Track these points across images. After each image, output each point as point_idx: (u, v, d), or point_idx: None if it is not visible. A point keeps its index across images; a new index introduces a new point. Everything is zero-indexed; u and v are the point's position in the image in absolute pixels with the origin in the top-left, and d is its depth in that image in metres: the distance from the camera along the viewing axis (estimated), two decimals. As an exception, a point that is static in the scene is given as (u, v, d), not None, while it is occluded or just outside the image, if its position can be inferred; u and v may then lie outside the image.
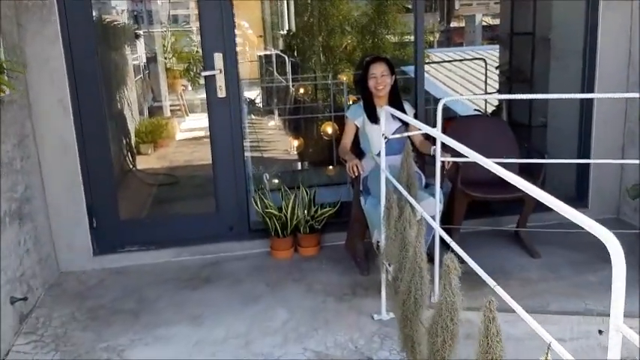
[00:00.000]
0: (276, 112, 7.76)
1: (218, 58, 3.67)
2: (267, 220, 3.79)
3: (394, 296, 2.57)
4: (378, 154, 3.63)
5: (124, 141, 6.17)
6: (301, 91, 7.33)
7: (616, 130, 4.18)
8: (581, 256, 3.66)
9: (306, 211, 3.83)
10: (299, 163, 6.82)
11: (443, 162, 3.33)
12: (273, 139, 7.40)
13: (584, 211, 3.76)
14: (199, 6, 3.61)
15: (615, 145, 4.18)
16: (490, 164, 1.71)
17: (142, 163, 6.59)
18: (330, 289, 3.39)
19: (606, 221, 4.37)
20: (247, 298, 3.32)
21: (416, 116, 3.83)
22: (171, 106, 9.73)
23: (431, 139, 3.79)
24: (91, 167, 3.71)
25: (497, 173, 1.66)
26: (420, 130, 3.33)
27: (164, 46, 9.43)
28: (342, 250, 3.88)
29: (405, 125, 3.73)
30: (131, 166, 6.14)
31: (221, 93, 3.72)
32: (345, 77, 7.89)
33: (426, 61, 8.24)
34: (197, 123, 9.26)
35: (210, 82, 3.71)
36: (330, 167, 6.53)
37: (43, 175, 3.63)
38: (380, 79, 3.62)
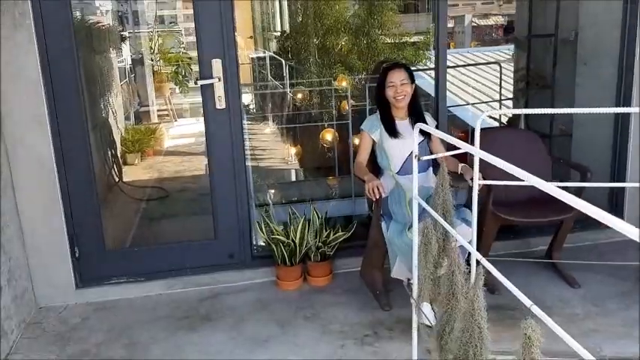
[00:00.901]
0: (272, 120, 7.33)
1: (216, 65, 3.23)
2: (274, 247, 3.36)
3: (437, 348, 2.17)
4: (399, 172, 3.26)
5: (109, 151, 5.71)
6: (299, 96, 6.91)
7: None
8: (625, 285, 3.28)
9: (317, 237, 3.41)
10: (299, 174, 6.40)
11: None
12: (270, 148, 6.97)
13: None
14: (195, 6, 3.17)
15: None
16: (550, 187, 1.31)
17: (129, 174, 6.12)
18: (348, 330, 2.97)
19: (623, 243, 4.03)
20: (254, 343, 2.89)
21: (437, 128, 3.42)
22: (158, 111, 9.27)
23: (456, 155, 3.39)
24: (71, 189, 3.26)
25: (560, 197, 1.27)
26: (445, 145, 2.99)
27: (151, 47, 8.96)
28: (356, 279, 3.46)
29: (429, 139, 3.32)
30: (117, 179, 5.67)
31: (220, 104, 3.28)
32: (344, 82, 7.50)
33: (428, 67, 7.88)
34: (186, 129, 8.83)
35: (207, 91, 3.27)
36: (331, 178, 6.13)
37: (17, 199, 3.17)
38: (399, 87, 3.21)
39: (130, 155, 6.60)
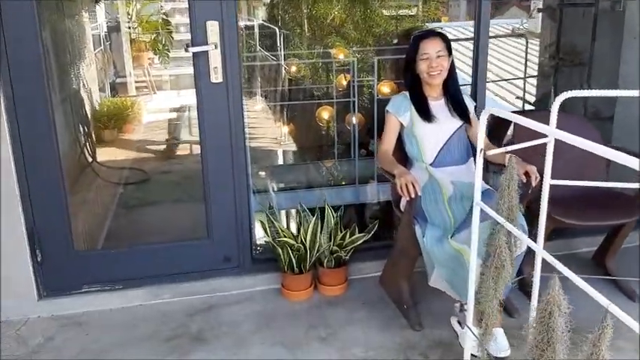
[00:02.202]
0: (264, 95, 6.70)
1: (212, 29, 2.61)
2: (280, 250, 2.80)
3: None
4: (433, 164, 2.70)
5: (81, 128, 5.05)
6: (293, 69, 6.28)
7: None
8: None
9: (331, 239, 2.85)
10: (294, 157, 5.83)
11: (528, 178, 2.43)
12: (262, 126, 6.35)
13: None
14: (187, -46, 2.55)
15: None
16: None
17: (104, 154, 5.47)
18: (373, 356, 2.43)
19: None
20: (260, 375, 2.34)
21: (475, 111, 2.87)
22: (136, 82, 8.57)
23: (497, 143, 2.85)
24: (31, 177, 2.65)
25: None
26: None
27: (128, 13, 8.21)
28: (374, 286, 2.94)
29: (468, 123, 2.77)
30: (90, 160, 5.02)
31: (216, 77, 2.67)
32: (341, 53, 6.88)
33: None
34: (167, 103, 8.17)
35: (200, 61, 2.66)
36: (330, 161, 5.56)
37: (-38, 190, 2.56)
38: (435, 61, 2.65)
39: (106, 132, 5.94)
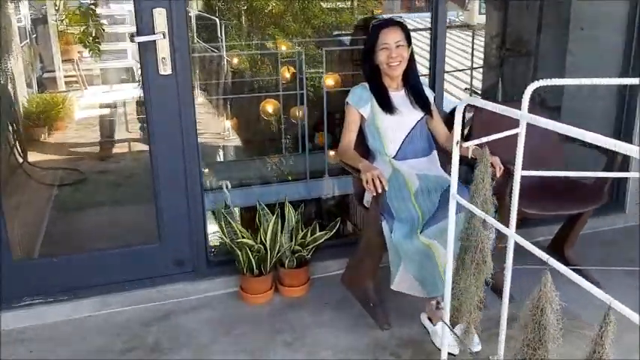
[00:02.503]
0: (204, 89, 6.47)
1: (160, 17, 2.43)
2: (238, 252, 2.65)
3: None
4: (396, 157, 2.62)
5: (10, 127, 4.69)
6: (235, 61, 6.10)
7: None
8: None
9: (292, 238, 2.72)
10: (242, 154, 5.66)
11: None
12: (204, 121, 6.12)
13: (620, 216, 2.96)
14: None
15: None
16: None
17: (36, 154, 5.12)
18: (342, 359, 2.33)
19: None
20: (226, 387, 2.20)
21: (435, 101, 2.81)
22: (66, 77, 8.11)
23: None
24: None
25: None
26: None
27: (55, 4, 7.74)
28: (336, 285, 2.85)
29: (429, 115, 2.70)
30: (21, 160, 4.68)
31: (164, 68, 2.49)
32: (283, 45, 6.75)
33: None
34: (99, 98, 7.78)
35: (147, 52, 2.47)
36: (276, 156, 5.42)
37: None
38: (394, 51, 2.57)
39: (36, 130, 5.57)
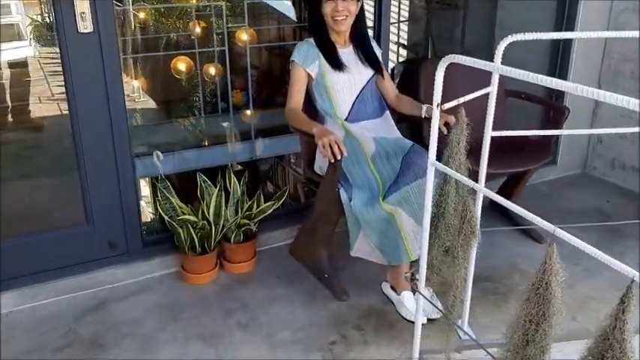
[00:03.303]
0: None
1: (76, -36, 2.08)
2: (179, 230, 2.41)
3: None
4: (348, 119, 2.47)
5: None
6: (142, 16, 5.60)
7: (593, 68, 3.44)
8: (589, 234, 2.90)
9: (239, 211, 2.52)
10: (156, 117, 5.27)
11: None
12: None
13: (553, 168, 3.00)
14: None
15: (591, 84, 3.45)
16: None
17: None
18: (304, 338, 2.19)
19: (574, 177, 3.76)
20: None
21: (381, 58, 2.66)
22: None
23: (410, 94, 2.66)
24: None
25: None
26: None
27: None
28: (284, 257, 2.68)
29: (380, 73, 2.55)
30: None
31: (84, 25, 2.16)
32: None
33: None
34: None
35: (61, 6, 2.12)
36: (196, 119, 5.09)
37: None
38: (341, 3, 2.37)
39: None
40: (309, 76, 2.45)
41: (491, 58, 3.90)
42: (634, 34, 1.90)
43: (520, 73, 1.52)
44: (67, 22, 2.14)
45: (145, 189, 3.81)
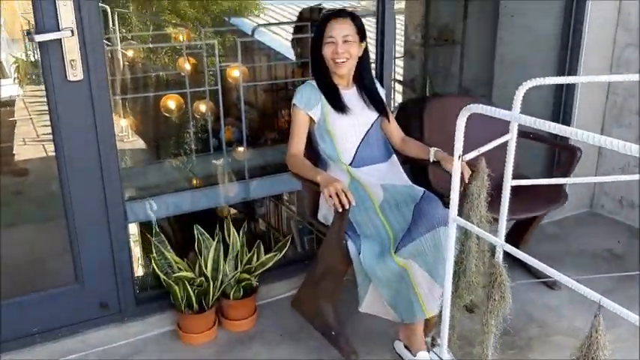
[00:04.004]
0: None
1: (65, 9, 1.96)
2: (175, 288, 2.24)
3: None
4: (352, 164, 2.34)
5: None
6: (131, 54, 5.51)
7: (598, 105, 3.36)
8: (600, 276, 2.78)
9: (238, 265, 2.36)
10: (146, 157, 5.13)
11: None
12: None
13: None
14: None
15: (595, 122, 3.37)
16: None
17: None
18: (315, 405, 2.03)
19: (582, 216, 3.66)
20: None
21: (386, 98, 2.55)
22: None
23: (410, 134, 2.55)
24: None
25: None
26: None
27: None
28: (288, 312, 2.53)
29: (385, 115, 2.43)
30: None
31: (74, 73, 2.02)
32: (183, 36, 6.25)
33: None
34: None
35: (50, 53, 1.99)
36: (178, 159, 4.95)
37: None
38: (341, 46, 2.26)
39: None
40: (310, 119, 2.33)
41: (490, 95, 3.85)
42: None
43: (542, 123, 1.43)
44: (55, 70, 2.00)
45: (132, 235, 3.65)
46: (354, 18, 2.30)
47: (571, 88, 3.23)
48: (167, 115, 5.31)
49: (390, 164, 2.39)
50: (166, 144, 5.07)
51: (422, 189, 2.22)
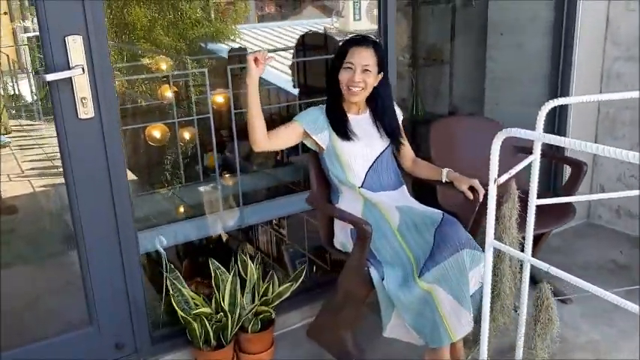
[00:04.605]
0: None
1: (75, 47, 1.92)
2: (193, 324, 2.19)
3: None
4: (363, 186, 2.30)
5: None
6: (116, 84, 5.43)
7: (590, 118, 3.43)
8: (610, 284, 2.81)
9: (255, 297, 2.32)
10: (136, 188, 5.03)
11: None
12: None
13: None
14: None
15: (589, 134, 3.43)
16: None
17: None
18: None
19: (581, 227, 3.69)
20: None
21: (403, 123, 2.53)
22: None
23: (421, 156, 2.55)
24: None
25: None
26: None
27: None
28: (305, 341, 2.48)
29: (396, 145, 2.42)
30: None
31: (86, 111, 1.98)
32: (163, 63, 6.20)
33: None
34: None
35: (61, 92, 1.94)
36: (172, 187, 4.88)
37: None
38: (359, 75, 2.24)
39: None
40: (318, 146, 2.31)
41: (482, 113, 3.89)
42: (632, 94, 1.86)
43: (564, 141, 1.45)
44: (66, 108, 1.96)
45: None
46: (377, 48, 2.28)
47: (564, 110, 3.29)
48: (153, 144, 5.25)
49: (399, 193, 2.36)
50: (157, 174, 5.00)
51: (440, 212, 2.21)
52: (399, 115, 2.47)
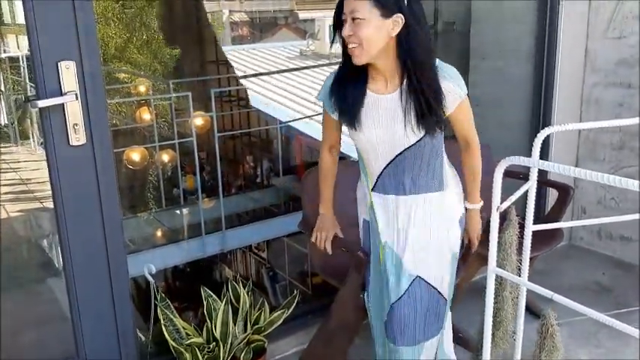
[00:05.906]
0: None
1: (68, 73, 1.89)
2: (186, 355, 2.14)
3: None
4: (374, 189, 1.88)
5: None
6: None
7: (571, 141, 3.50)
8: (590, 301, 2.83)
9: (248, 325, 2.28)
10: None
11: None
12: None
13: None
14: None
15: (570, 157, 3.50)
16: None
17: None
18: None
19: (563, 249, 3.73)
20: None
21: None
22: None
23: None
24: None
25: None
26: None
27: None
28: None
29: (431, 134, 1.78)
30: None
31: (77, 137, 1.94)
32: (141, 85, 6.20)
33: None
34: None
35: (52, 118, 1.90)
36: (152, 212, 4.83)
37: None
38: (348, 27, 1.62)
39: None
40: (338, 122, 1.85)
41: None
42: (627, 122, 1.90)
43: (560, 167, 1.48)
44: (57, 135, 1.91)
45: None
46: None
47: (546, 125, 3.35)
48: (131, 167, 5.19)
49: (427, 199, 1.85)
50: (139, 198, 4.93)
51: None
52: (452, 89, 1.77)
